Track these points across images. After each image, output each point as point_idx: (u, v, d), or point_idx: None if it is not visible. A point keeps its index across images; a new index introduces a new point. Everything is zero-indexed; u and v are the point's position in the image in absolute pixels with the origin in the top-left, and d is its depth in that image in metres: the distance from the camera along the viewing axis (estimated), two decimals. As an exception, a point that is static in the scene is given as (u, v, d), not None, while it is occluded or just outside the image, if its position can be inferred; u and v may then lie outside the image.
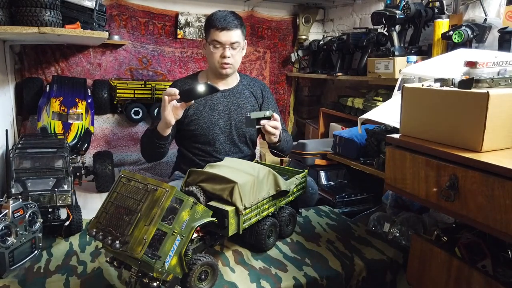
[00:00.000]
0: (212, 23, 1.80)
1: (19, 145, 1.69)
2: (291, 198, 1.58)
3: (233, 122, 1.92)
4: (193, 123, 1.88)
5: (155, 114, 2.49)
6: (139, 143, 2.07)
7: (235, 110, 1.93)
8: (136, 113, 2.53)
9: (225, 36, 1.78)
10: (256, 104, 2.00)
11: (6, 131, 1.38)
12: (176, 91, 1.57)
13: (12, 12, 1.69)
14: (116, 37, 2.61)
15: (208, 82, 1.59)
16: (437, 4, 2.08)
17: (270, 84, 3.33)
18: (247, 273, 1.34)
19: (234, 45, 1.82)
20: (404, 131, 1.24)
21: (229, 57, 1.82)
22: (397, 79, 1.78)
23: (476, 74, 1.07)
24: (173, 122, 1.64)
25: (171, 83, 2.16)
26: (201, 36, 2.87)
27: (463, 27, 1.74)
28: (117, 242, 1.01)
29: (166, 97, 1.58)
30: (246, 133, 1.96)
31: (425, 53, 2.10)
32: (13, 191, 1.46)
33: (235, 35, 1.80)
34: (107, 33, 1.98)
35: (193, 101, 1.65)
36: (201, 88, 1.53)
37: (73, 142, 2.13)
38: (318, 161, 2.43)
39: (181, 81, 1.99)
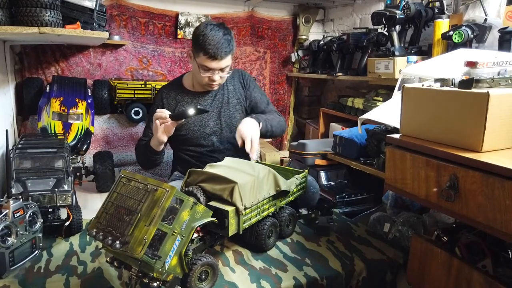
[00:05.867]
0: (203, 48, 1.70)
1: (19, 145, 1.69)
2: (291, 198, 1.58)
3: (223, 120, 1.92)
4: (184, 128, 1.89)
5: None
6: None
7: (222, 107, 1.93)
8: (136, 113, 2.53)
9: (216, 64, 1.74)
10: (240, 96, 1.97)
11: (6, 131, 1.38)
12: (166, 115, 1.64)
13: (12, 12, 1.69)
14: (116, 37, 2.61)
15: (198, 106, 1.66)
16: (437, 4, 2.07)
17: (270, 84, 3.33)
18: (247, 273, 1.34)
19: (224, 68, 1.79)
20: (404, 131, 1.24)
21: (217, 80, 1.81)
22: (397, 79, 1.78)
23: (476, 74, 1.07)
24: (165, 140, 1.72)
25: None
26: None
27: (463, 27, 1.74)
28: (117, 242, 1.01)
29: (158, 122, 1.65)
30: (233, 129, 1.92)
31: (425, 53, 2.10)
32: (13, 191, 1.46)
33: (226, 61, 1.76)
34: (107, 33, 1.98)
35: (183, 120, 1.72)
36: (191, 111, 1.60)
37: (73, 142, 2.13)
38: (318, 161, 2.43)
39: (166, 87, 1.99)
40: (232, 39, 1.78)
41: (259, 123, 1.77)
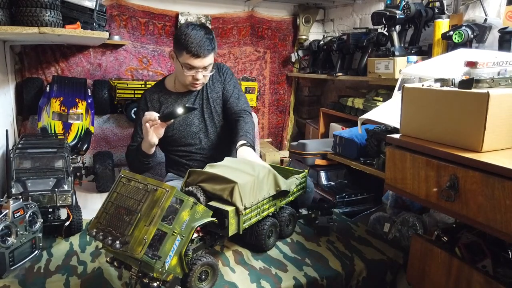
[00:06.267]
0: (186, 47, 1.73)
1: (19, 145, 1.69)
2: (291, 198, 1.58)
3: (206, 116, 1.93)
4: (170, 129, 1.89)
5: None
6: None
7: (203, 104, 1.94)
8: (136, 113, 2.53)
9: (199, 62, 1.76)
10: (219, 89, 1.97)
11: (6, 131, 1.38)
12: (155, 116, 1.63)
13: (12, 12, 1.69)
14: (116, 37, 2.61)
15: (187, 105, 1.65)
16: (437, 4, 2.07)
17: (270, 84, 3.33)
18: (247, 273, 1.34)
19: (207, 67, 1.82)
20: (404, 131, 1.24)
21: (201, 79, 1.82)
22: (397, 79, 1.78)
23: (476, 74, 1.07)
24: (156, 141, 1.71)
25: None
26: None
27: (463, 27, 1.74)
28: (117, 242, 1.01)
29: (147, 124, 1.64)
30: (217, 124, 1.96)
31: (425, 53, 2.10)
32: (13, 191, 1.46)
33: (209, 59, 1.79)
34: (107, 33, 1.98)
35: (172, 120, 1.70)
36: (180, 110, 1.59)
37: (73, 142, 2.13)
38: (318, 161, 2.43)
39: (148, 91, 1.99)
40: (214, 39, 1.81)
41: (254, 148, 1.73)
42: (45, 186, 1.55)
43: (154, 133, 1.67)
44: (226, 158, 1.54)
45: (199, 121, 1.93)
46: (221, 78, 1.98)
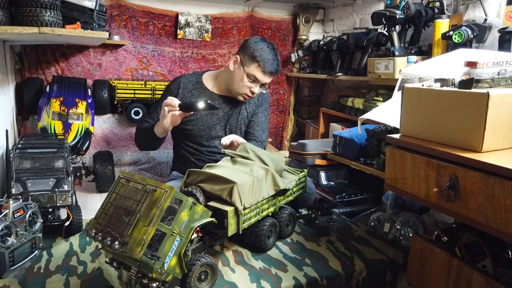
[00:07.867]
0: (259, 61, 1.79)
1: (19, 145, 1.69)
2: (290, 198, 1.58)
3: (228, 127, 1.94)
4: (191, 123, 1.89)
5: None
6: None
7: (232, 116, 1.94)
8: (136, 113, 2.53)
9: (265, 79, 1.83)
10: (251, 110, 1.99)
11: (6, 131, 1.38)
12: (176, 103, 1.63)
13: (12, 12, 1.69)
14: (116, 37, 2.61)
15: (209, 101, 1.63)
16: (437, 4, 2.07)
17: (270, 84, 3.32)
18: (247, 273, 1.34)
19: (265, 85, 1.88)
20: (404, 131, 1.24)
21: (256, 92, 1.86)
22: (397, 79, 1.78)
23: (476, 74, 1.06)
24: (170, 128, 1.71)
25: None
26: (203, 37, 2.85)
27: (463, 27, 1.74)
28: (116, 243, 1.01)
29: (166, 108, 1.64)
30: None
31: (425, 53, 2.10)
32: (13, 191, 1.46)
33: (271, 79, 1.87)
34: (107, 33, 1.98)
35: (191, 112, 1.70)
36: (201, 105, 1.58)
37: (73, 142, 2.13)
38: (318, 161, 2.43)
39: (185, 78, 1.98)
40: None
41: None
42: (45, 186, 1.55)
43: (170, 119, 1.66)
44: (224, 158, 1.54)
45: (220, 128, 1.94)
46: (258, 102, 2.01)
